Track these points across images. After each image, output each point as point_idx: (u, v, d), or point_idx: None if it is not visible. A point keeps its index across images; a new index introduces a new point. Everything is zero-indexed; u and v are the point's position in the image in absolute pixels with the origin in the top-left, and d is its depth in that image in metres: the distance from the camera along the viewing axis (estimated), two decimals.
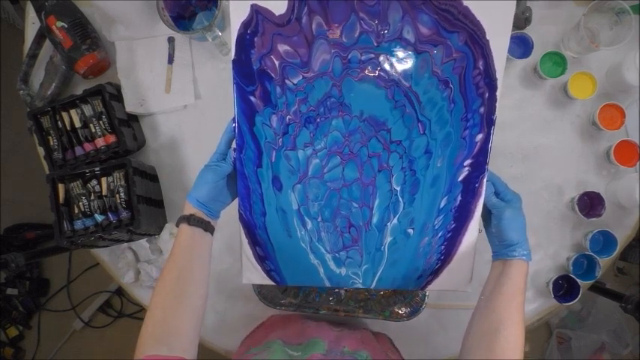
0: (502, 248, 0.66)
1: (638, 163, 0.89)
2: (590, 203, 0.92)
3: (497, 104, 0.66)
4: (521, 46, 0.93)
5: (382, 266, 0.73)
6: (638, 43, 0.88)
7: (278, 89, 0.67)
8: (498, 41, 0.64)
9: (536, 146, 0.95)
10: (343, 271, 0.73)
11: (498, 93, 0.65)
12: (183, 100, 0.99)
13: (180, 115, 1.00)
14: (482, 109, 0.66)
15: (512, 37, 0.92)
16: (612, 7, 0.85)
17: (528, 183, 0.94)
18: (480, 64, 0.64)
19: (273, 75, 0.67)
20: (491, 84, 0.65)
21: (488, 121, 0.67)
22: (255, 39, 0.66)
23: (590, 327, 1.64)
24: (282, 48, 0.66)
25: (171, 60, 0.99)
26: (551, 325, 1.71)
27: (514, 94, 0.95)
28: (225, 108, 0.96)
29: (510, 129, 0.95)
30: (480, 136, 0.67)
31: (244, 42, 0.66)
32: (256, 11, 0.65)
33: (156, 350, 0.57)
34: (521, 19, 0.92)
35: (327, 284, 0.74)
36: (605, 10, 0.86)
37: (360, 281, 0.74)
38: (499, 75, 0.65)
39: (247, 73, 0.67)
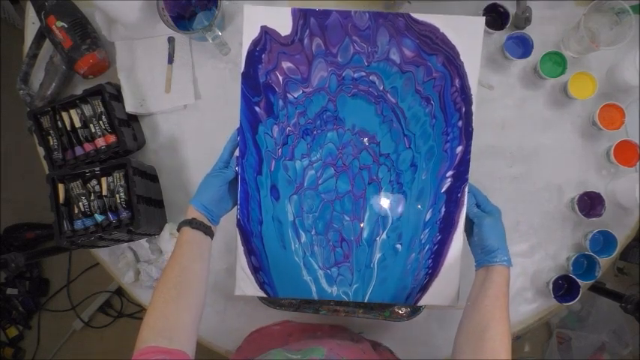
0: (484, 255, 0.70)
1: (638, 163, 0.89)
2: (590, 203, 0.92)
3: (473, 117, 0.73)
4: (521, 46, 0.93)
5: (372, 285, 0.76)
6: (638, 43, 0.88)
7: (280, 102, 0.75)
8: (471, 61, 0.73)
9: (536, 146, 0.95)
10: (334, 290, 0.76)
11: (473, 107, 0.73)
12: (183, 100, 0.99)
13: (180, 115, 1.00)
14: (460, 123, 0.74)
15: (512, 37, 0.92)
16: (612, 7, 0.85)
17: (528, 183, 0.94)
18: (457, 82, 0.73)
19: (276, 89, 0.75)
20: (467, 99, 0.73)
21: (467, 134, 0.74)
22: (263, 56, 0.74)
23: (590, 327, 1.64)
24: (286, 65, 0.74)
25: (171, 60, 0.99)
26: (551, 325, 1.71)
27: (514, 94, 0.95)
28: (225, 108, 0.97)
29: (510, 129, 0.95)
30: (459, 148, 0.74)
31: (253, 58, 0.74)
32: (265, 32, 0.74)
33: (156, 342, 0.58)
34: (521, 19, 0.93)
35: (317, 299, 0.78)
36: (606, 10, 0.86)
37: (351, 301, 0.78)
38: (473, 91, 0.73)
39: (254, 85, 0.75)
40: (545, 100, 0.95)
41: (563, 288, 0.92)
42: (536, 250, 0.94)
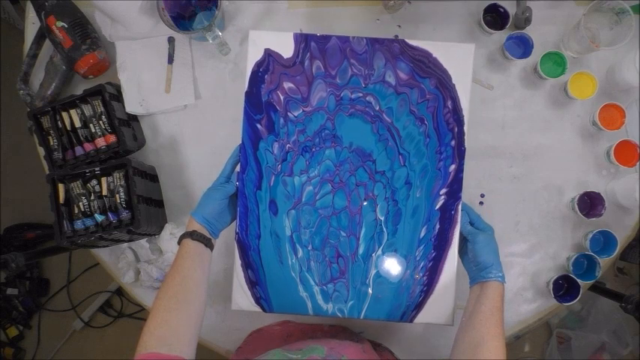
0: (478, 272, 0.71)
1: (638, 163, 0.89)
2: (590, 203, 0.92)
3: (465, 137, 0.76)
4: (521, 46, 0.93)
5: (367, 302, 0.77)
6: (638, 43, 0.88)
7: (281, 120, 0.78)
8: (462, 84, 0.76)
9: (536, 146, 0.95)
10: (330, 307, 0.78)
11: (465, 128, 0.76)
12: (183, 100, 0.99)
13: (180, 115, 1.00)
14: (453, 142, 0.77)
15: (512, 37, 0.92)
16: (612, 7, 0.85)
17: (528, 183, 0.94)
18: (449, 103, 0.76)
19: (278, 107, 0.78)
20: (459, 120, 0.76)
21: (459, 153, 0.77)
22: (266, 76, 0.78)
23: (590, 327, 1.64)
24: (287, 85, 0.78)
25: (171, 60, 0.99)
26: (551, 325, 1.71)
27: (514, 94, 0.95)
28: (225, 108, 0.97)
29: (510, 129, 0.95)
30: (452, 167, 0.77)
31: (256, 78, 0.78)
32: (269, 54, 0.78)
33: (156, 348, 0.60)
34: (522, 19, 0.93)
35: (312, 314, 0.79)
36: (605, 10, 0.86)
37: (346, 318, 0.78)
38: (465, 112, 0.76)
39: (256, 104, 0.78)
40: (545, 100, 0.95)
41: (564, 288, 0.92)
42: (536, 250, 0.94)
